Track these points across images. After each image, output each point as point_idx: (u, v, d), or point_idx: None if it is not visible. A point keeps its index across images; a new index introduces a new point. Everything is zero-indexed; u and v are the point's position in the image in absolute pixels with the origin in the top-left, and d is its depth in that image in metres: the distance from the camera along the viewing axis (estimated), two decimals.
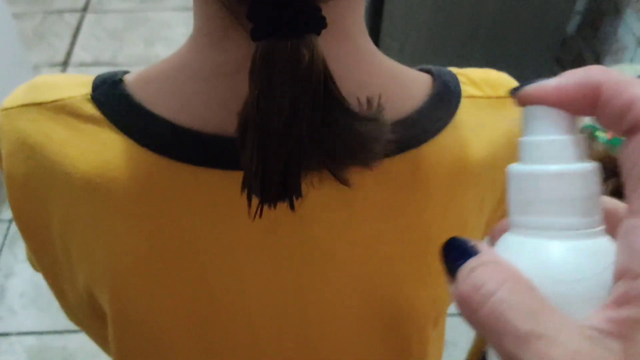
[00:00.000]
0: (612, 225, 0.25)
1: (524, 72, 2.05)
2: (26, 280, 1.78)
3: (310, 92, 0.32)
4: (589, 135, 1.16)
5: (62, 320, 0.54)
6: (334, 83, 0.33)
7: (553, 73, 2.36)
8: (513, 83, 0.48)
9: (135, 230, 0.41)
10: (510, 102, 0.46)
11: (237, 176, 0.36)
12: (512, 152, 0.46)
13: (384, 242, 0.44)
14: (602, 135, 1.15)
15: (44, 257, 0.48)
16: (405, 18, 1.87)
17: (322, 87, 0.33)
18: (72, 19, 2.78)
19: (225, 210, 0.41)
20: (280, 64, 0.31)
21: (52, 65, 2.53)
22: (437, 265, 0.46)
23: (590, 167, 0.24)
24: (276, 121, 0.32)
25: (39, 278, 0.51)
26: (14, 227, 1.91)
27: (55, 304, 0.55)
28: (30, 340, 1.66)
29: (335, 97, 0.33)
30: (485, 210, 0.48)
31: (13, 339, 1.66)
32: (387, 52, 1.90)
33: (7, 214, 1.94)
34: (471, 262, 0.23)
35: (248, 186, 0.34)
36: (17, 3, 2.84)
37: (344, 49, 0.39)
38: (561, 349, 0.20)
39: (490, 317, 0.21)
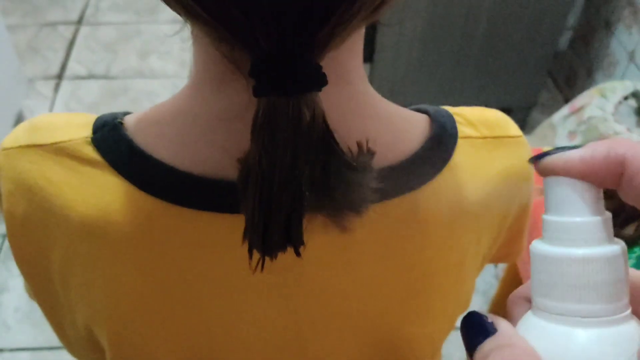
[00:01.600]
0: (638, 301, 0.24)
1: (517, 87, 2.07)
2: (20, 296, 1.77)
3: (312, 149, 0.33)
4: None
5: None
6: (334, 139, 0.34)
7: (546, 87, 2.36)
8: (508, 121, 0.49)
9: (135, 273, 0.42)
10: (506, 141, 0.47)
11: (237, 219, 0.36)
12: (508, 190, 0.46)
13: (382, 282, 0.44)
14: None
15: (42, 293, 0.48)
16: (398, 30, 1.88)
17: (322, 143, 0.33)
18: (66, 31, 2.77)
19: (224, 253, 0.41)
20: (281, 123, 0.32)
21: (47, 78, 2.52)
22: (434, 304, 0.47)
23: (617, 249, 0.24)
24: (278, 177, 0.33)
25: None
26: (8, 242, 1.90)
27: None
28: (24, 356, 1.64)
29: (334, 150, 0.34)
30: (482, 247, 0.48)
31: (7, 355, 1.65)
32: (381, 67, 1.87)
33: (1, 228, 1.93)
34: (487, 344, 0.23)
35: (249, 240, 0.35)
36: (10, 15, 2.82)
37: (343, 95, 0.40)
38: None
39: None
